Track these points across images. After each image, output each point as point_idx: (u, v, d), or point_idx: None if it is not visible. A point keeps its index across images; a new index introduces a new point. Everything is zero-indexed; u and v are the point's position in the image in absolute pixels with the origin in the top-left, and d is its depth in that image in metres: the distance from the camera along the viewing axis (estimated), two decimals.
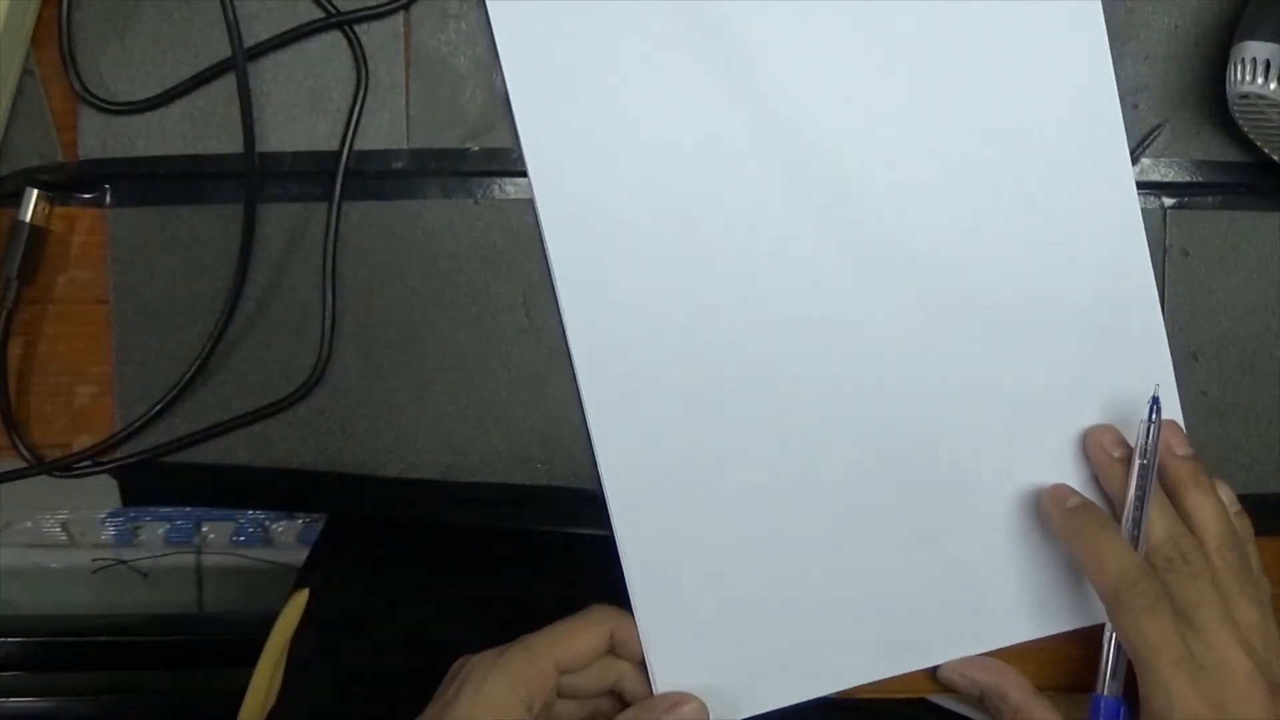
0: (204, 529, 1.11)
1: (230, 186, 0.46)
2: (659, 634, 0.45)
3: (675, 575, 0.45)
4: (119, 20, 0.45)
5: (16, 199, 0.45)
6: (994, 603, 0.46)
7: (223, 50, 0.45)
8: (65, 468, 0.46)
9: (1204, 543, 0.42)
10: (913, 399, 0.46)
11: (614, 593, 0.45)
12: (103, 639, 1.08)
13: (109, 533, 1.10)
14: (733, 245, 0.45)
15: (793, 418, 0.46)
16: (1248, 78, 0.42)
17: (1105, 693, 0.42)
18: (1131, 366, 0.46)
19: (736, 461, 0.45)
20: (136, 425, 0.46)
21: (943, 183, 0.46)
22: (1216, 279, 0.47)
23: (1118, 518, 0.43)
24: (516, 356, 0.46)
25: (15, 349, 0.46)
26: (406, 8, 0.46)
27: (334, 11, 0.45)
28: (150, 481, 0.47)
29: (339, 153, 0.45)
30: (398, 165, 0.46)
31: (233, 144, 0.45)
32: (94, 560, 1.11)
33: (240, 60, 0.44)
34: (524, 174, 0.45)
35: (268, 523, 1.11)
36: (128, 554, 1.11)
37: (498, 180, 0.46)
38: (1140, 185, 0.46)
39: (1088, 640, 0.45)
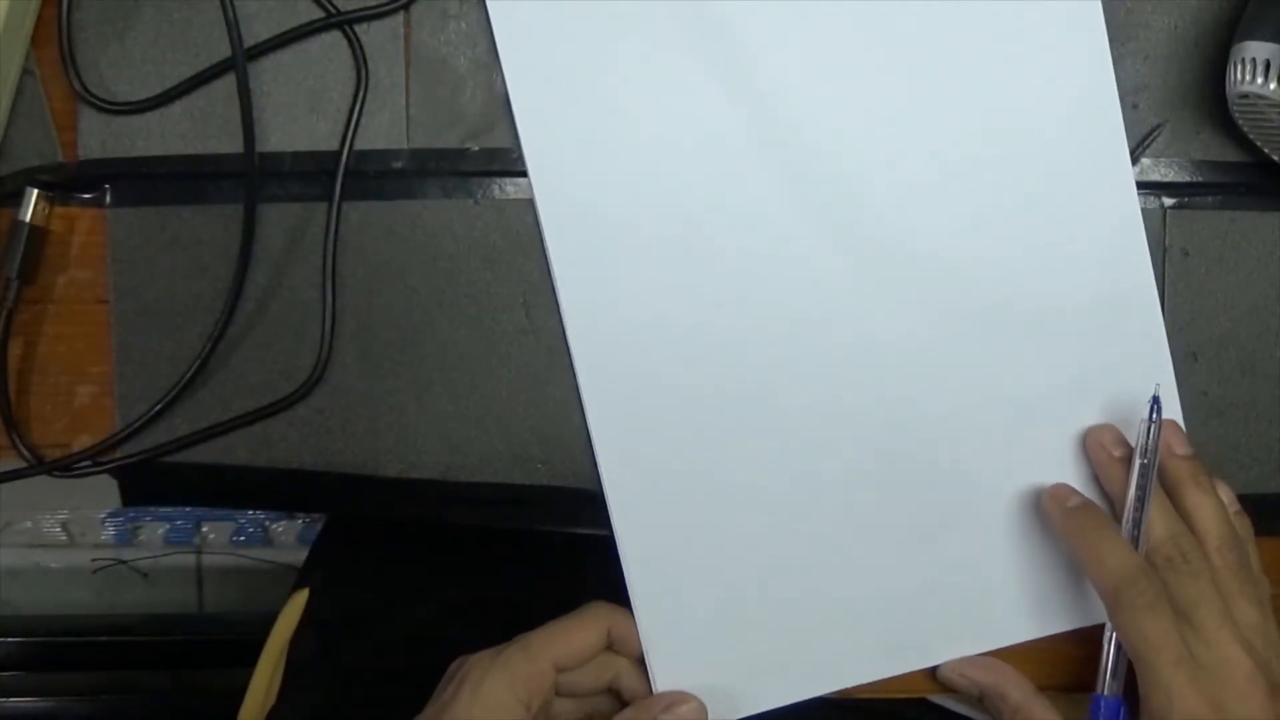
0: (204, 529, 1.11)
1: (230, 186, 0.46)
2: (659, 633, 0.45)
3: (675, 575, 0.45)
4: (119, 20, 0.45)
5: (16, 199, 0.45)
6: (994, 603, 0.46)
7: (223, 50, 0.45)
8: (65, 468, 0.46)
9: (1204, 542, 0.42)
10: (913, 399, 0.46)
11: (614, 592, 0.45)
12: (103, 639, 1.08)
13: (109, 533, 1.10)
14: (733, 245, 0.45)
15: (793, 417, 0.46)
16: (1247, 78, 0.42)
17: (1105, 692, 0.42)
18: (1131, 366, 0.46)
19: (736, 461, 0.45)
20: (136, 425, 0.46)
21: (943, 183, 0.46)
22: (1216, 279, 0.47)
23: (1118, 517, 0.43)
24: (516, 356, 0.46)
25: (15, 349, 0.47)
26: (406, 8, 0.46)
27: (334, 11, 0.45)
28: (150, 481, 0.47)
29: (339, 153, 0.45)
30: (398, 165, 0.46)
31: (233, 144, 0.45)
32: (94, 560, 1.11)
33: (240, 60, 0.44)
34: (524, 174, 0.45)
35: (268, 523, 1.11)
36: (128, 554, 1.11)
37: (498, 180, 0.46)
38: (1140, 185, 0.46)
39: (1088, 640, 0.45)
